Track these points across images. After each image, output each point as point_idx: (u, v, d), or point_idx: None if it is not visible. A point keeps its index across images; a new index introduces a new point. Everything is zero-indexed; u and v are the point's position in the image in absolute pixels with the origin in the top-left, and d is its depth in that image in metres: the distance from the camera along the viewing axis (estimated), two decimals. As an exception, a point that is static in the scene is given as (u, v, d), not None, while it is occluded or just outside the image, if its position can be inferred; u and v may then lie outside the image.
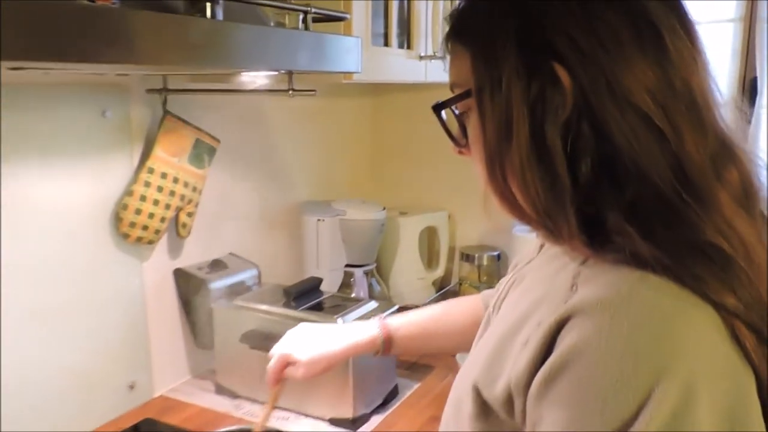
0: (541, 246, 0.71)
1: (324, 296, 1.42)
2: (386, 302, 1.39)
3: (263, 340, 1.33)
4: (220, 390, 1.43)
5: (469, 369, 0.65)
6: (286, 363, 1.03)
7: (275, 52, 0.88)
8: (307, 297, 1.38)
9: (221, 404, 1.40)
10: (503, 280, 0.76)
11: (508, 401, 0.57)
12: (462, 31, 0.62)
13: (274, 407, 1.09)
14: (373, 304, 1.38)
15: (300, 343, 1.04)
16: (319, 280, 1.43)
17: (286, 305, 1.35)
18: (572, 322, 0.52)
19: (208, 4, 0.80)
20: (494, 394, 0.58)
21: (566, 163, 0.54)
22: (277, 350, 1.06)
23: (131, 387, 1.37)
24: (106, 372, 1.31)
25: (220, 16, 0.82)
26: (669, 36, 0.55)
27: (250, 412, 1.36)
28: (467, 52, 0.60)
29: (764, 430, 0.50)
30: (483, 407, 0.60)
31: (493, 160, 0.59)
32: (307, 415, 1.34)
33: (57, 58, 0.64)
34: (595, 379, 0.49)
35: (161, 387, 1.45)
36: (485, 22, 0.59)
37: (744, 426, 0.48)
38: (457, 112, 0.64)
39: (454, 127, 0.66)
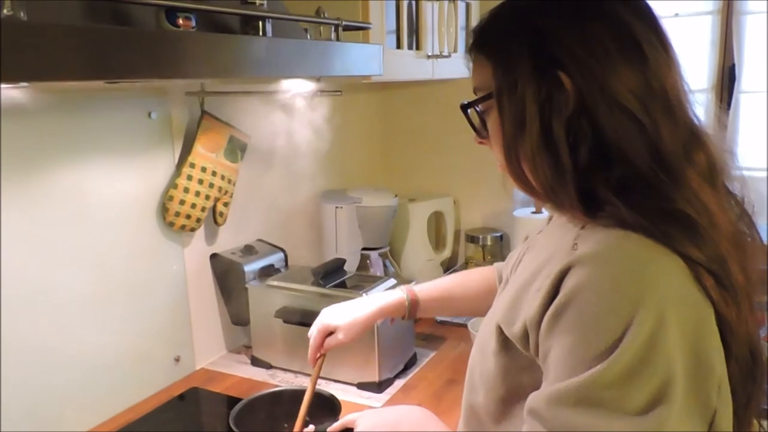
0: (550, 219, 0.87)
1: (347, 275, 1.57)
2: (403, 279, 1.55)
3: (295, 315, 1.49)
4: (256, 362, 1.59)
5: (493, 315, 0.80)
6: (326, 333, 1.16)
7: (314, 61, 1.03)
8: (333, 276, 1.53)
9: (257, 374, 1.55)
10: (518, 248, 0.91)
11: (525, 336, 0.72)
12: (483, 44, 0.77)
13: (318, 378, 1.19)
14: (391, 281, 1.54)
15: (335, 313, 1.17)
16: (343, 261, 1.58)
17: (315, 283, 1.50)
18: (573, 271, 0.67)
19: (260, 23, 0.95)
20: (513, 331, 0.73)
21: (568, 151, 0.69)
22: (316, 324, 1.17)
23: (177, 360, 1.52)
24: (153, 347, 1.47)
25: (269, 31, 0.97)
26: (647, 47, 0.70)
27: (285, 379, 1.52)
28: (488, 61, 0.75)
29: (721, 351, 0.65)
30: (504, 343, 0.76)
31: (510, 149, 0.73)
32: (337, 381, 1.49)
33: (149, 75, 0.79)
34: (590, 311, 0.64)
35: (202, 360, 1.60)
36: (503, 37, 0.74)
37: (706, 346, 0.64)
38: (479, 109, 0.79)
39: (474, 121, 0.81)
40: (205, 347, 1.61)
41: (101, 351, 1.34)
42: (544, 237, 0.84)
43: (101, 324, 1.34)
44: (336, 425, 1.02)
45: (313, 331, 1.16)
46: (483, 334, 0.83)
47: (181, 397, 1.47)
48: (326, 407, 1.23)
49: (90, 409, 1.33)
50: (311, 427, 1.15)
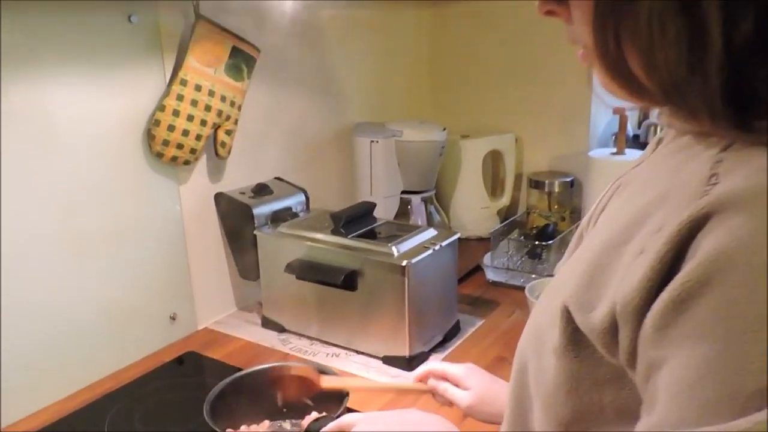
0: (656, 145, 0.54)
1: (377, 223, 1.28)
2: (446, 230, 1.25)
3: (309, 271, 1.21)
4: (267, 323, 1.33)
5: (557, 290, 0.49)
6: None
7: None
8: (358, 223, 1.24)
9: (267, 338, 1.30)
10: (602, 194, 0.59)
11: (610, 330, 0.41)
12: None
13: None
14: (431, 232, 1.24)
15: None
16: (371, 205, 1.29)
17: (335, 232, 1.22)
18: (714, 222, 0.36)
19: None
20: (591, 320, 0.43)
21: (721, 19, 0.37)
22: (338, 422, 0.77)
23: (173, 318, 1.28)
24: (145, 302, 1.23)
25: None
26: None
27: (298, 347, 1.26)
28: None
29: None
30: (573, 337, 0.45)
31: (605, 17, 0.41)
32: (359, 352, 1.22)
33: None
34: (752, 300, 0.33)
35: (205, 319, 1.36)
36: None
37: None
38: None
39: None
40: (210, 304, 1.36)
41: (77, 309, 1.11)
42: (648, 169, 0.52)
43: (80, 273, 1.11)
44: (331, 426, 0.75)
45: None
46: (540, 318, 0.52)
47: (178, 361, 1.23)
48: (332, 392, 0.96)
49: (64, 375, 1.11)
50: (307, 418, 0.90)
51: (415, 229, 1.24)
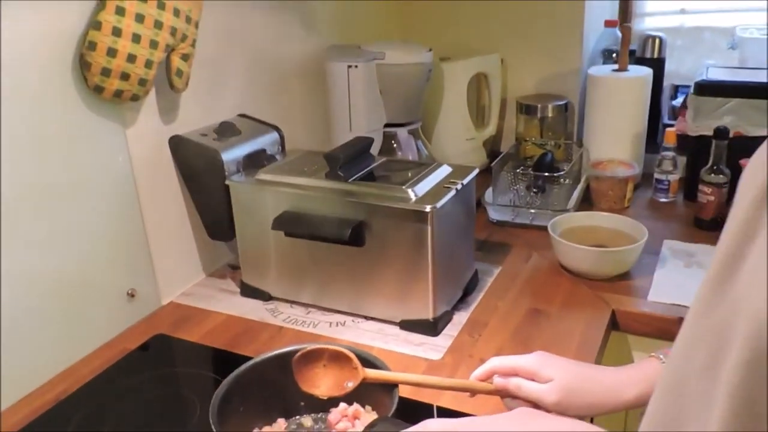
0: None
1: (377, 162, 1.06)
2: (463, 166, 1.04)
3: (302, 225, 0.99)
4: (248, 291, 1.10)
5: (745, 292, 0.31)
6: None
7: None
8: (356, 164, 1.02)
9: (252, 310, 1.07)
10: None
11: None
12: None
13: None
14: (445, 169, 1.03)
15: None
16: (369, 141, 1.06)
17: (332, 176, 0.99)
18: None
19: None
20: None
21: None
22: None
23: (130, 295, 1.03)
24: (94, 278, 0.97)
25: None
26: None
27: (292, 318, 1.04)
28: None
29: None
30: None
31: None
32: (368, 318, 1.02)
33: None
34: None
35: (170, 292, 1.11)
36: None
37: None
38: None
39: None
40: (173, 273, 1.12)
41: (6, 294, 0.84)
42: None
43: (2, 253, 0.84)
44: None
45: None
46: (718, 321, 0.33)
47: (144, 347, 0.99)
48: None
49: (-4, 381, 0.85)
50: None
51: (425, 167, 1.02)
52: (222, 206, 1.07)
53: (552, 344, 0.94)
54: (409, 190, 0.93)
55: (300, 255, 1.03)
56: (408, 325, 0.98)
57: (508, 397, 0.65)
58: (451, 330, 0.99)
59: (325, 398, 0.70)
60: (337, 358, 0.72)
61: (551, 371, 0.62)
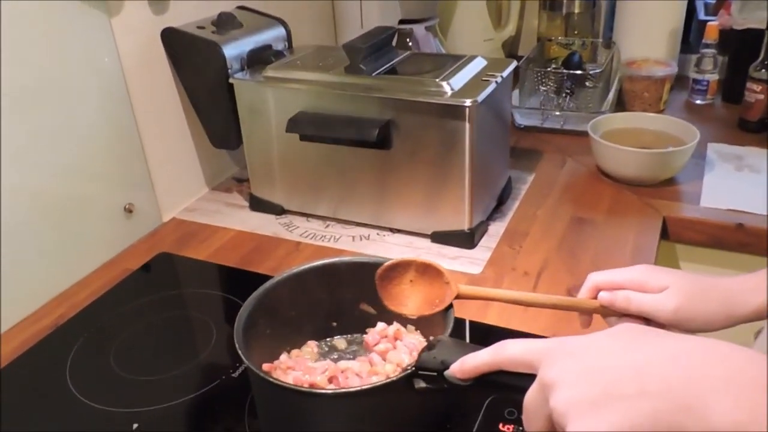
0: None
1: (401, 56, 0.93)
2: (499, 59, 0.92)
3: (323, 127, 0.87)
4: (258, 204, 1.00)
5: None
6: None
7: None
8: (379, 58, 0.89)
9: (264, 224, 0.97)
10: None
11: None
12: None
13: None
14: (480, 62, 0.90)
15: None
16: (391, 31, 0.93)
17: (353, 70, 0.86)
18: None
19: None
20: None
21: None
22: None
23: (128, 211, 0.92)
24: (86, 193, 0.86)
25: None
26: None
27: (309, 232, 0.94)
28: None
29: None
30: None
31: None
32: (395, 231, 0.92)
33: None
34: None
35: (171, 207, 1.00)
36: None
37: None
38: None
39: None
40: (173, 186, 1.01)
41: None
42: None
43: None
44: (486, 357, 0.45)
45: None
46: None
47: (146, 268, 0.89)
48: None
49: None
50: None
51: (457, 60, 0.90)
52: (225, 109, 0.95)
53: (603, 254, 0.85)
54: (444, 84, 0.81)
55: (316, 162, 0.92)
56: (441, 238, 0.88)
57: (613, 316, 0.55)
58: (488, 242, 0.89)
59: (415, 317, 0.59)
60: (426, 273, 0.62)
61: (664, 279, 0.53)
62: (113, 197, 0.90)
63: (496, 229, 0.92)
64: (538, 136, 1.21)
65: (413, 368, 0.51)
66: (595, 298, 0.56)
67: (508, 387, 0.44)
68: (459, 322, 0.65)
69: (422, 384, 0.51)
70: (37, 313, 0.81)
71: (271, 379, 0.51)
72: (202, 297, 0.84)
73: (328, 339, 0.70)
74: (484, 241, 0.89)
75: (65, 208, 0.83)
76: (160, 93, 0.95)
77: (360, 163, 0.89)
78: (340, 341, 0.70)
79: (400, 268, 0.62)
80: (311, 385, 0.61)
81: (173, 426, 0.63)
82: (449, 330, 0.56)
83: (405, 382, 0.51)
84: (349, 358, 0.67)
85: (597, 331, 0.41)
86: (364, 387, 0.50)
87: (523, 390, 0.41)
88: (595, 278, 0.56)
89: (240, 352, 0.55)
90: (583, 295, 0.57)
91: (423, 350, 0.51)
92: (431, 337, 0.54)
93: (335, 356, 0.68)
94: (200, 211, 1.01)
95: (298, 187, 0.96)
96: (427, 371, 0.50)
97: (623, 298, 0.53)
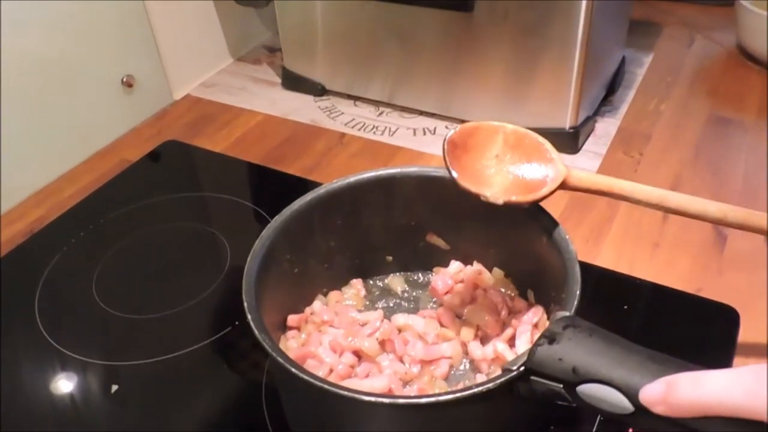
0: None
1: None
2: None
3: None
4: (292, 82, 0.78)
5: None
6: None
7: None
8: None
9: (299, 108, 0.76)
10: None
11: None
12: None
13: None
14: None
15: None
16: None
17: None
18: None
19: None
20: None
21: None
22: None
23: (127, 85, 0.72)
24: (67, 58, 0.65)
25: None
26: None
27: (357, 120, 0.73)
28: None
29: None
30: None
31: None
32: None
33: None
34: None
35: (184, 82, 0.80)
36: None
37: None
38: None
39: None
40: (187, 54, 0.79)
41: None
42: None
43: None
44: (713, 397, 0.25)
45: None
46: None
47: (153, 156, 0.70)
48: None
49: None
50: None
51: None
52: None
53: (759, 171, 0.62)
54: None
55: (369, 27, 0.68)
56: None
57: None
58: (596, 146, 0.66)
59: (501, 203, 0.39)
60: (519, 147, 0.42)
61: None
62: (106, 66, 0.69)
63: (606, 129, 0.69)
64: (654, 5, 0.93)
65: (523, 369, 0.31)
66: None
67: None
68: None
69: (530, 389, 0.32)
70: (11, 213, 0.63)
71: (295, 371, 0.32)
72: (216, 204, 0.65)
73: (380, 276, 0.50)
74: (590, 145, 0.67)
75: (44, 79, 0.63)
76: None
77: (428, 30, 0.65)
78: (396, 280, 0.50)
79: (482, 134, 0.41)
80: (355, 353, 0.42)
81: (163, 392, 0.46)
82: (575, 299, 0.35)
83: (505, 388, 0.32)
84: (409, 308, 0.48)
85: None
86: (439, 398, 0.31)
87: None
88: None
89: (249, 316, 0.36)
90: None
91: (539, 341, 0.31)
92: (557, 313, 0.33)
93: (390, 302, 0.49)
94: (220, 87, 0.80)
95: (343, 62, 0.73)
96: (546, 379, 0.31)
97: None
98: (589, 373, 0.29)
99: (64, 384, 0.47)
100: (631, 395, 0.27)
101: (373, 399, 0.31)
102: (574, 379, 0.29)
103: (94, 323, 0.51)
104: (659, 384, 0.26)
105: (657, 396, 0.26)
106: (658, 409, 0.26)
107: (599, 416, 0.40)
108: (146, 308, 0.52)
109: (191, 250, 0.59)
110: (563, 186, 0.40)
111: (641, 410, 0.27)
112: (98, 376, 0.47)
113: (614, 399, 0.28)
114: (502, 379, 0.31)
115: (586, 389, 0.29)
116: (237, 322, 0.49)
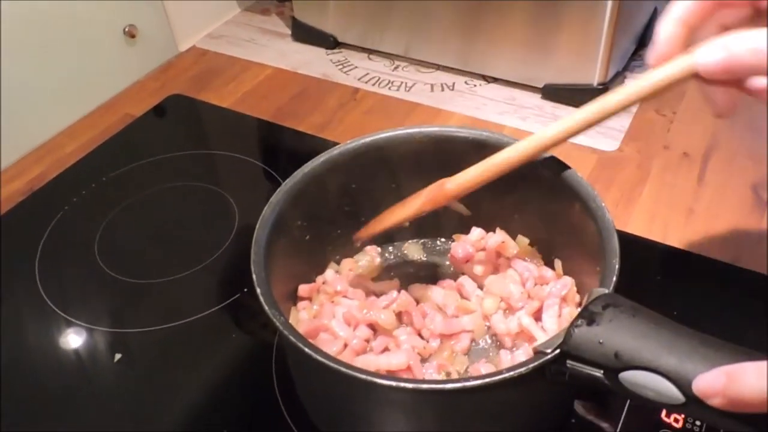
0: None
1: None
2: None
3: None
4: (303, 33, 0.74)
5: None
6: None
7: None
8: None
9: (310, 61, 0.72)
10: None
11: None
12: None
13: None
14: None
15: None
16: None
17: None
18: None
19: None
20: None
21: None
22: None
23: (129, 35, 0.68)
24: (69, 8, 0.62)
25: None
26: None
27: (373, 75, 0.69)
28: None
29: None
30: None
31: None
32: (491, 80, 0.66)
33: None
34: None
35: (190, 33, 0.76)
36: None
37: None
38: None
39: None
40: (192, 4, 0.75)
41: None
42: None
43: None
44: None
45: None
46: None
47: (158, 111, 0.67)
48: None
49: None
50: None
51: None
52: None
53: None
54: None
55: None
56: (557, 94, 0.62)
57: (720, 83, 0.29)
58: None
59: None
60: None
61: None
62: (107, 15, 0.66)
63: (634, 81, 0.65)
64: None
65: (558, 352, 0.28)
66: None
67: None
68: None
69: (565, 374, 0.29)
70: (9, 170, 0.61)
71: (308, 352, 0.30)
72: (223, 162, 0.62)
73: (396, 243, 0.48)
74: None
75: (41, 28, 0.59)
76: None
77: (449, -22, 0.61)
78: (413, 248, 0.47)
79: None
80: (370, 325, 0.40)
81: (168, 361, 0.44)
82: (614, 274, 0.32)
83: (538, 372, 0.29)
84: (427, 278, 0.45)
85: None
86: (466, 384, 0.28)
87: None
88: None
89: (259, 290, 0.33)
90: (666, 45, 0.31)
91: (576, 322, 0.28)
92: (594, 289, 0.31)
93: (407, 270, 0.46)
94: (228, 38, 0.77)
95: (357, 11, 0.69)
96: (584, 364, 0.28)
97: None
98: (634, 359, 0.26)
99: (65, 353, 0.45)
100: (683, 385, 0.25)
101: (394, 383, 0.28)
102: (617, 365, 0.27)
103: (96, 288, 0.49)
104: (717, 374, 0.24)
105: (715, 388, 0.23)
106: (715, 402, 0.23)
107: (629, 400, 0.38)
108: (151, 272, 0.50)
109: (198, 211, 0.56)
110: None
111: (694, 401, 0.24)
112: (101, 344, 0.45)
113: (662, 388, 0.25)
114: (535, 363, 0.28)
115: (629, 376, 0.26)
116: (246, 289, 0.47)
